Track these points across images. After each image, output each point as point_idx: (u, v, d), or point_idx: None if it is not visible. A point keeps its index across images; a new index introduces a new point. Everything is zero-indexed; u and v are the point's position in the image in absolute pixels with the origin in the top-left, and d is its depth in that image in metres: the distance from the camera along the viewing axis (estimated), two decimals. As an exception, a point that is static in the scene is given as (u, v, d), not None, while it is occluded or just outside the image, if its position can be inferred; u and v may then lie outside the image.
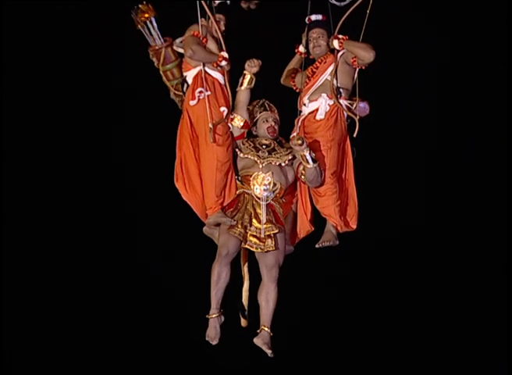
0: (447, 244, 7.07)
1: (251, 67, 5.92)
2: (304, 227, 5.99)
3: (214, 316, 5.73)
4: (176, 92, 5.95)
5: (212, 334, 5.72)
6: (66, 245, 6.86)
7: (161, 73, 5.93)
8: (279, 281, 5.75)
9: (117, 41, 6.48)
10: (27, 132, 6.73)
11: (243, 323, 5.96)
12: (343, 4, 5.95)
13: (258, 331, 5.76)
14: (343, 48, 5.92)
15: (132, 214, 6.91)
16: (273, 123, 5.99)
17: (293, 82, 6.21)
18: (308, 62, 6.17)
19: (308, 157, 5.66)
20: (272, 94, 6.17)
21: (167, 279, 6.87)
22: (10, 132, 6.67)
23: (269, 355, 5.72)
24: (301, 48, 6.19)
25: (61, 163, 6.80)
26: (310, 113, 5.99)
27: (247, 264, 5.97)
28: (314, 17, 6.05)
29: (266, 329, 5.75)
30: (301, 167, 5.80)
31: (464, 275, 7.06)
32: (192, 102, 5.80)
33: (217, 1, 5.97)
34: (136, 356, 6.89)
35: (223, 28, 5.96)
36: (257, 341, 5.74)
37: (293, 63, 6.28)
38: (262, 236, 5.74)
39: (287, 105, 6.17)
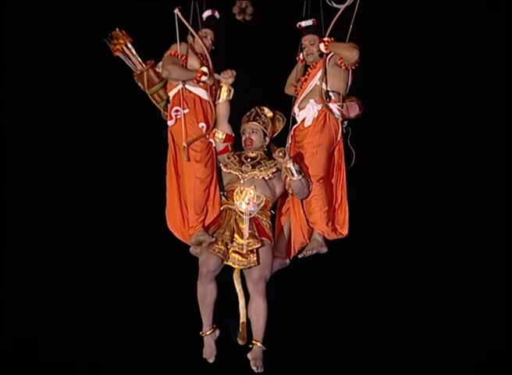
0: (445, 248, 6.75)
1: (226, 78, 5.80)
2: (298, 239, 5.80)
3: (207, 333, 5.67)
4: (166, 113, 5.95)
5: (208, 352, 5.68)
6: (67, 242, 6.88)
7: (149, 96, 5.95)
8: (269, 295, 5.61)
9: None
10: (27, 132, 6.78)
11: (241, 342, 5.82)
12: (342, 6, 5.70)
13: (250, 346, 5.64)
14: (330, 51, 5.70)
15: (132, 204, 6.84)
16: (248, 135, 5.82)
17: (296, 91, 6.03)
18: (304, 69, 6.04)
19: (292, 169, 5.51)
20: (270, 104, 6.00)
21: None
22: (10, 129, 6.76)
23: (255, 370, 5.57)
24: (302, 56, 6.02)
25: (61, 163, 6.83)
26: (301, 122, 5.80)
27: (240, 281, 5.81)
28: (304, 23, 5.89)
29: (258, 344, 5.61)
30: (288, 179, 5.60)
31: (460, 283, 6.77)
32: (169, 122, 5.79)
33: (204, 16, 5.92)
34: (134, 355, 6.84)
35: (210, 42, 5.89)
36: (249, 356, 5.63)
37: (296, 71, 6.10)
38: (245, 251, 5.57)
39: (286, 114, 6.00)
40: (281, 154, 5.45)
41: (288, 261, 5.82)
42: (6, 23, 6.64)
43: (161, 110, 5.96)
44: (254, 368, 5.58)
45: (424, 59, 6.64)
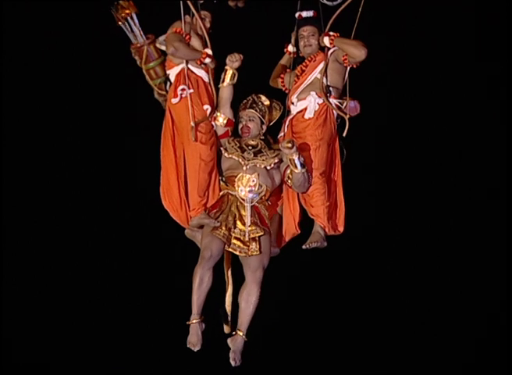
0: (437, 248, 6.95)
1: (233, 62, 5.74)
2: (290, 230, 5.79)
3: (195, 321, 5.51)
4: (160, 91, 5.81)
5: (194, 340, 5.49)
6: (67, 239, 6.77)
7: (143, 71, 5.77)
8: (263, 284, 5.56)
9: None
10: (27, 133, 6.67)
11: (226, 329, 5.75)
12: (334, 3, 5.76)
13: (233, 333, 5.56)
14: (334, 46, 5.73)
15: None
16: (245, 123, 5.78)
17: (283, 83, 6.03)
18: (298, 61, 5.99)
19: (297, 161, 5.47)
20: (262, 92, 5.99)
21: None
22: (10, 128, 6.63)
23: (233, 364, 5.50)
24: (290, 48, 6.01)
25: (61, 162, 6.73)
26: (298, 113, 5.81)
27: (230, 268, 5.77)
28: (305, 14, 5.86)
29: (241, 333, 5.54)
30: (288, 171, 5.61)
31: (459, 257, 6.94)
32: (174, 100, 5.64)
33: (202, -1, 5.82)
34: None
35: (208, 25, 5.81)
36: (229, 343, 5.54)
37: (283, 63, 6.11)
38: (246, 239, 5.55)
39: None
40: (289, 144, 5.40)
41: (278, 250, 5.82)
42: (6, 24, 6.55)
43: (155, 88, 5.80)
44: (232, 362, 5.50)
45: (420, 58, 6.81)
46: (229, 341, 5.57)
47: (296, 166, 5.49)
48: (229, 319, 5.72)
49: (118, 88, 6.47)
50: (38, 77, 6.60)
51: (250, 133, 5.78)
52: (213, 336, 5.64)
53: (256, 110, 5.81)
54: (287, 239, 5.81)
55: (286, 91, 6.01)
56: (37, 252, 6.68)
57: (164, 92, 5.78)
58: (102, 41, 6.37)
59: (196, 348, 5.50)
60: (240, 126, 5.80)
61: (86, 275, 6.69)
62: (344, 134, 5.73)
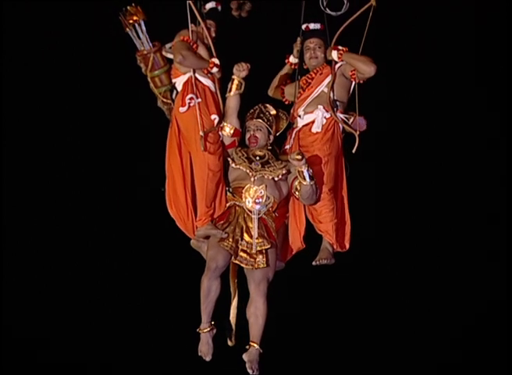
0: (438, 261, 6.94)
1: (240, 71, 5.68)
2: (295, 243, 5.73)
3: (205, 330, 5.47)
4: (164, 100, 5.72)
5: (205, 350, 5.47)
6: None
7: (148, 79, 5.69)
8: (269, 297, 5.50)
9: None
10: (27, 133, 6.59)
11: (230, 343, 5.66)
12: (338, 14, 5.74)
13: (247, 347, 5.49)
14: (342, 60, 5.69)
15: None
16: (252, 132, 5.71)
17: (282, 94, 5.98)
18: (300, 72, 5.93)
19: (306, 173, 5.41)
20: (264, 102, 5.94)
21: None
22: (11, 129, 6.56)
23: (250, 373, 5.44)
24: (292, 59, 5.96)
25: (61, 162, 6.64)
26: (305, 126, 5.75)
27: (236, 280, 5.69)
28: (312, 26, 5.82)
29: (255, 345, 5.47)
30: (296, 183, 5.54)
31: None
32: (182, 109, 5.56)
33: (207, 7, 5.76)
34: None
35: (214, 35, 5.75)
36: (244, 357, 5.48)
37: (283, 74, 6.05)
38: (253, 251, 5.47)
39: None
40: (299, 157, 5.35)
41: (283, 264, 5.75)
42: (6, 24, 6.49)
43: (159, 96, 5.73)
44: (249, 371, 5.43)
45: (427, 71, 6.80)
46: (244, 355, 5.50)
47: (304, 178, 5.43)
48: (233, 332, 5.65)
49: (118, 88, 6.39)
50: (38, 77, 6.52)
51: (258, 143, 5.72)
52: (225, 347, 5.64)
53: (263, 120, 5.75)
54: (292, 253, 5.74)
55: (286, 103, 5.98)
56: (37, 252, 6.59)
57: (169, 101, 5.70)
58: (103, 40, 6.32)
59: (207, 358, 5.48)
60: (248, 135, 5.73)
61: (86, 275, 6.61)
62: (354, 151, 5.65)
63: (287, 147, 5.81)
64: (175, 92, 5.68)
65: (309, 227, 5.71)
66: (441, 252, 6.85)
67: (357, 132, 5.62)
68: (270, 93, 6.07)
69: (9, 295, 6.50)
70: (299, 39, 5.87)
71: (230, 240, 5.45)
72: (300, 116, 5.77)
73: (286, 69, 6.03)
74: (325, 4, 5.79)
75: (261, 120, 5.74)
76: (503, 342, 6.75)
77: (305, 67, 5.93)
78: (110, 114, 6.54)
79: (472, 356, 6.73)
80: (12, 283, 6.51)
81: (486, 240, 6.85)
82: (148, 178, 6.09)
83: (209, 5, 5.80)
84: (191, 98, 5.54)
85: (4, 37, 6.45)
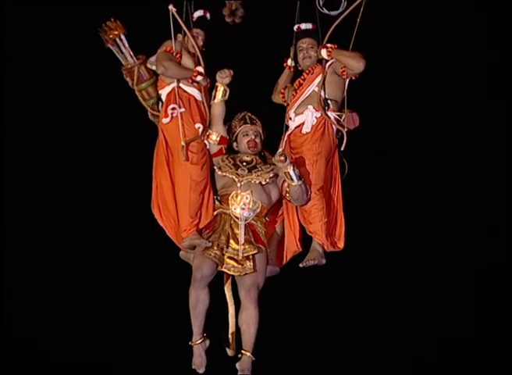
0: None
1: (223, 78, 5.65)
2: (291, 247, 5.65)
3: (197, 342, 5.43)
4: (153, 112, 5.73)
5: (198, 362, 5.45)
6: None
7: (136, 93, 5.70)
8: (261, 303, 5.43)
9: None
10: (27, 133, 6.63)
11: (230, 352, 5.63)
12: (334, 13, 5.63)
13: (239, 356, 5.44)
14: (332, 58, 5.59)
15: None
16: (253, 137, 5.66)
17: (283, 98, 5.91)
18: (297, 74, 5.87)
19: (292, 174, 5.33)
20: (258, 109, 5.88)
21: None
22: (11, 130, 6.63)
23: None
24: (290, 62, 5.90)
25: (61, 162, 6.67)
26: (296, 127, 5.67)
27: (230, 288, 5.63)
28: (304, 26, 5.75)
29: (247, 354, 5.41)
30: (285, 184, 5.46)
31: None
32: (165, 120, 5.56)
33: (195, 16, 5.74)
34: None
35: (201, 43, 5.71)
36: (237, 366, 5.43)
37: (283, 78, 5.97)
38: (240, 257, 5.41)
39: (275, 121, 5.86)
40: (282, 158, 5.28)
41: (278, 269, 5.67)
42: (6, 24, 6.53)
43: (148, 108, 5.73)
44: None
45: (422, 68, 6.65)
46: (237, 365, 5.45)
47: (292, 179, 5.35)
48: (231, 341, 5.59)
49: (118, 88, 6.24)
50: (38, 77, 6.56)
51: (257, 149, 5.67)
52: (219, 357, 5.59)
53: (259, 127, 5.72)
54: (289, 257, 5.66)
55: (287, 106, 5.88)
56: (37, 252, 6.62)
57: (157, 113, 5.70)
58: (99, 44, 6.28)
59: (201, 370, 5.45)
60: (247, 139, 5.67)
61: (86, 275, 6.62)
62: (342, 148, 5.58)
63: (280, 150, 5.72)
64: (161, 104, 5.69)
65: (305, 231, 5.61)
66: (437, 251, 6.69)
67: (345, 129, 5.52)
68: (273, 98, 6.01)
69: (9, 295, 6.53)
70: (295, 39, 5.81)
71: (215, 248, 5.40)
72: (291, 118, 5.69)
73: (286, 73, 5.97)
74: (321, 3, 5.69)
75: (257, 127, 5.71)
76: (502, 342, 6.58)
77: (300, 69, 5.85)
78: (110, 114, 6.53)
79: (472, 356, 6.56)
80: (11, 283, 6.54)
81: (486, 239, 6.69)
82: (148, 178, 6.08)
83: (197, 14, 5.77)
84: (173, 108, 5.53)
85: (4, 37, 6.49)
